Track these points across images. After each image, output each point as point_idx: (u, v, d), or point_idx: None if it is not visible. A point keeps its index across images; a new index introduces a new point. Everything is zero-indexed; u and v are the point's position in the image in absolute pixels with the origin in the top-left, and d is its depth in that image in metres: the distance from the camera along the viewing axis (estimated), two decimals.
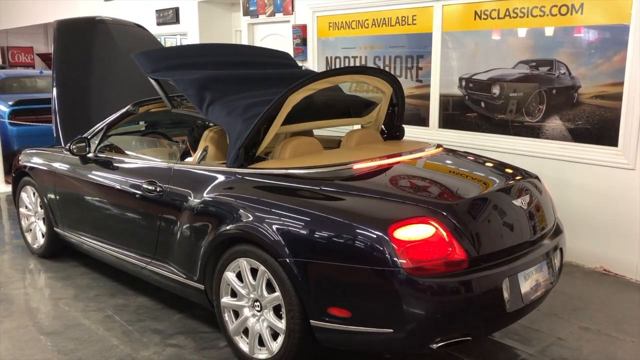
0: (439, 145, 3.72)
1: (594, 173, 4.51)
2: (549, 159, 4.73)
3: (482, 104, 5.17)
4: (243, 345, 3.13)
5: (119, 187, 3.86)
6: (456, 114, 5.40)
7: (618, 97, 4.30)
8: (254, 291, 3.03)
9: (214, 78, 3.68)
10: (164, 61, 3.85)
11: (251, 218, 2.96)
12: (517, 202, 2.99)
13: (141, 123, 5.29)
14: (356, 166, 3.14)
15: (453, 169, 3.45)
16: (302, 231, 2.78)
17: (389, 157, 3.33)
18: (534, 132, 4.84)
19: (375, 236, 2.59)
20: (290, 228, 2.81)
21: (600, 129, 4.43)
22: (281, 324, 2.90)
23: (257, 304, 3.04)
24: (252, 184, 3.13)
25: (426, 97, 5.62)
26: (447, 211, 2.69)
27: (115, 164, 4.01)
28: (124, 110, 4.15)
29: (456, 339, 2.64)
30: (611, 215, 4.43)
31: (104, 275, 4.43)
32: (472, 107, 5.26)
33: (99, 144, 4.20)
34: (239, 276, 3.10)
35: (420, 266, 2.56)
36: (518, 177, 3.25)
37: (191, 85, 3.56)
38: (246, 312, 3.10)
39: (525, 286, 2.83)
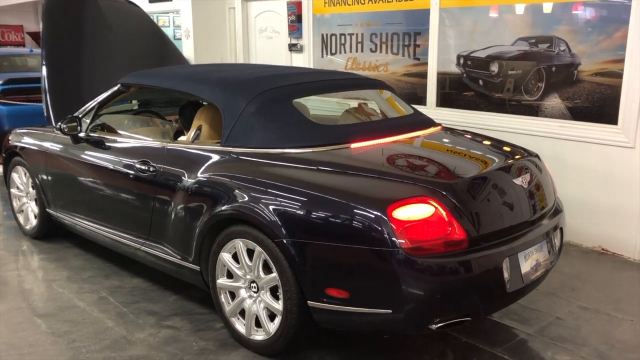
0: (437, 124, 3.65)
1: (593, 151, 4.46)
2: (548, 138, 4.68)
3: (481, 82, 5.10)
4: (240, 326, 3.10)
5: (112, 167, 3.78)
6: (454, 93, 5.33)
7: (619, 75, 4.23)
8: (251, 272, 2.98)
9: (201, 71, 3.85)
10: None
11: (247, 198, 2.90)
12: (517, 181, 2.94)
13: (134, 102, 5.21)
14: (354, 145, 3.08)
15: (452, 147, 3.39)
16: (299, 211, 2.73)
17: (386, 135, 3.26)
18: (533, 110, 4.77)
19: (373, 216, 2.54)
20: (286, 208, 2.76)
21: (600, 107, 4.37)
22: (278, 305, 2.86)
23: (254, 285, 3.00)
24: (248, 164, 3.07)
25: (423, 75, 5.54)
26: (446, 190, 2.63)
27: (107, 144, 3.93)
28: (115, 88, 4.05)
29: (456, 320, 2.61)
30: (610, 194, 4.40)
31: (98, 257, 4.38)
32: (470, 85, 5.19)
33: (90, 123, 4.11)
34: (235, 257, 3.05)
35: (419, 246, 2.51)
36: (518, 156, 3.20)
37: (181, 79, 3.68)
38: (242, 293, 3.06)
39: (525, 266, 2.80)
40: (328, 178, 2.82)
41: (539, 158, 3.30)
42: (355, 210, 2.59)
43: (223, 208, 2.99)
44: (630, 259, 4.32)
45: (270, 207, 2.80)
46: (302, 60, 6.79)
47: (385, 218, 2.51)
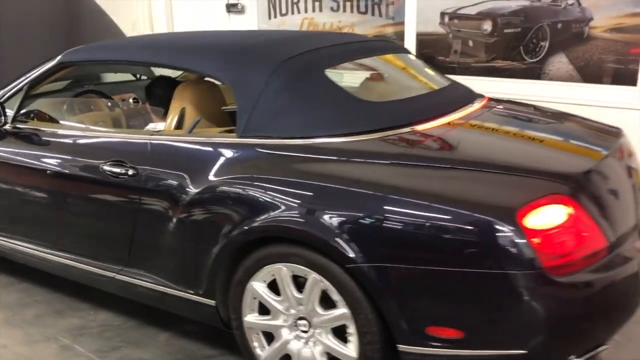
0: (482, 95, 3.01)
1: (607, 116, 3.96)
2: (553, 103, 4.18)
3: (471, 43, 4.52)
4: None
5: (61, 171, 2.79)
6: (438, 56, 4.72)
7: (638, 30, 3.82)
8: (299, 306, 2.22)
9: (185, 37, 3.02)
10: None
11: (295, 209, 2.11)
12: (629, 168, 2.40)
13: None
14: (419, 127, 2.36)
15: (536, 133, 2.63)
16: (381, 226, 1.98)
17: (444, 114, 2.55)
18: (535, 73, 4.28)
19: (498, 226, 1.86)
20: (361, 222, 2.01)
21: (616, 67, 3.95)
22: (349, 350, 2.13)
23: (304, 322, 2.23)
24: (286, 161, 2.26)
25: (400, 36, 4.87)
26: (577, 186, 2.01)
27: (47, 139, 2.90)
28: (50, 65, 3.00)
29: (595, 351, 2.02)
30: None
31: (39, 285, 3.33)
32: (457, 48, 4.59)
33: (17, 111, 3.04)
34: (272, 286, 2.26)
35: (560, 263, 1.88)
36: (616, 137, 2.56)
37: (162, 49, 2.79)
38: (285, 333, 2.29)
39: None
40: (414, 176, 2.08)
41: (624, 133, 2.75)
42: (468, 220, 1.89)
43: (256, 224, 2.18)
44: None
45: (336, 221, 2.03)
46: (244, 24, 5.86)
47: (517, 228, 1.84)
